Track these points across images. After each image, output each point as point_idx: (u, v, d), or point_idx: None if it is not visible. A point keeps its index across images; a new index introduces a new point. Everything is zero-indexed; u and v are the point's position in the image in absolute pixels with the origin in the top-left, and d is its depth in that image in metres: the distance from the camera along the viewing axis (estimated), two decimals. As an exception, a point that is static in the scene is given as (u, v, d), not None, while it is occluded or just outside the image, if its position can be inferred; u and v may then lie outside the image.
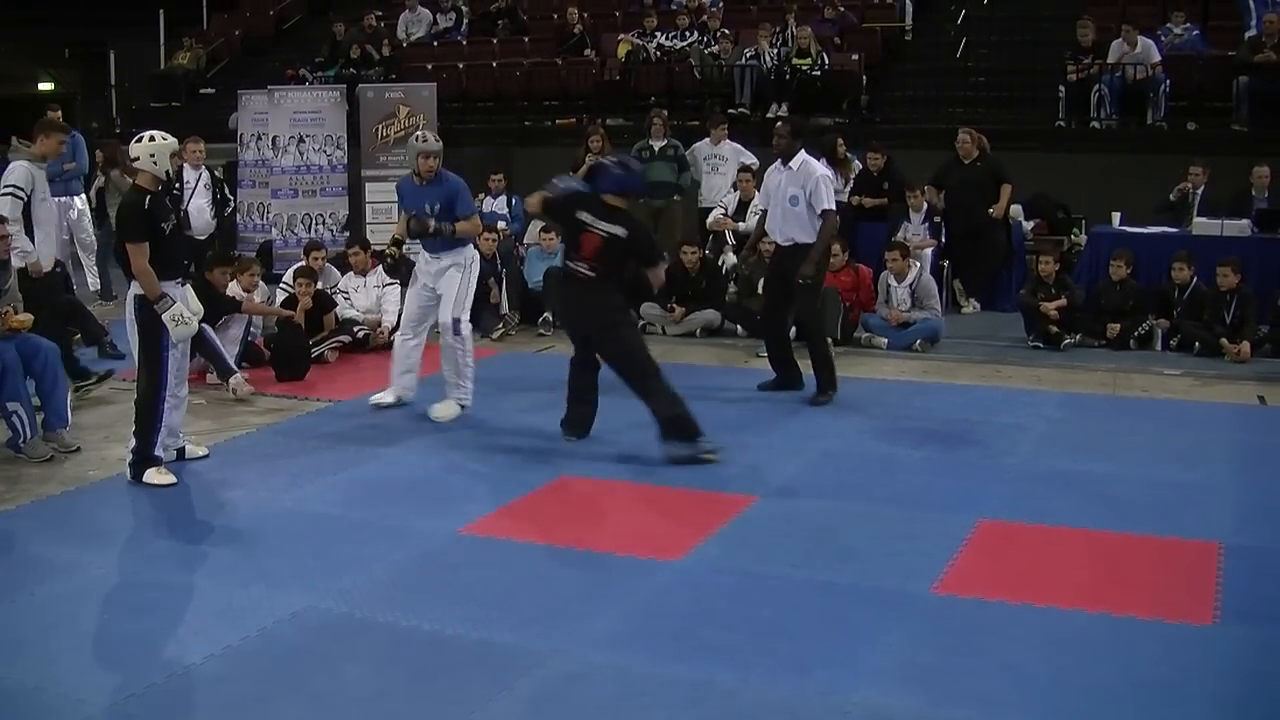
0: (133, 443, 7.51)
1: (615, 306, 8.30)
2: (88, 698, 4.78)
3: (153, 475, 7.48)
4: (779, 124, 10.15)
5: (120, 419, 8.90)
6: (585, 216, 8.16)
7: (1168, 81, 15.01)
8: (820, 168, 9.59)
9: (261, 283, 11.36)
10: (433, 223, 8.92)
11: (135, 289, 7.47)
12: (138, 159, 7.50)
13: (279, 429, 8.78)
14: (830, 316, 11.28)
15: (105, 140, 15.02)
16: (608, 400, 8.53)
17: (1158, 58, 14.92)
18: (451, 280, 9.10)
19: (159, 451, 7.55)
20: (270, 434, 8.64)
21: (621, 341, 8.25)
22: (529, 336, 12.04)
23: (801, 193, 9.35)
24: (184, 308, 7.41)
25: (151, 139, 7.51)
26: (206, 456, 8.01)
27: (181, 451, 7.90)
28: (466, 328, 9.14)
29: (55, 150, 10.03)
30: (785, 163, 9.51)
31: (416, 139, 9.21)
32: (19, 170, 9.75)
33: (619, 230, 8.11)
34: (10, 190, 9.60)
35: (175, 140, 7.70)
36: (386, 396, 9.29)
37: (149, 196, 7.41)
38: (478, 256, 9.50)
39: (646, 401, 8.02)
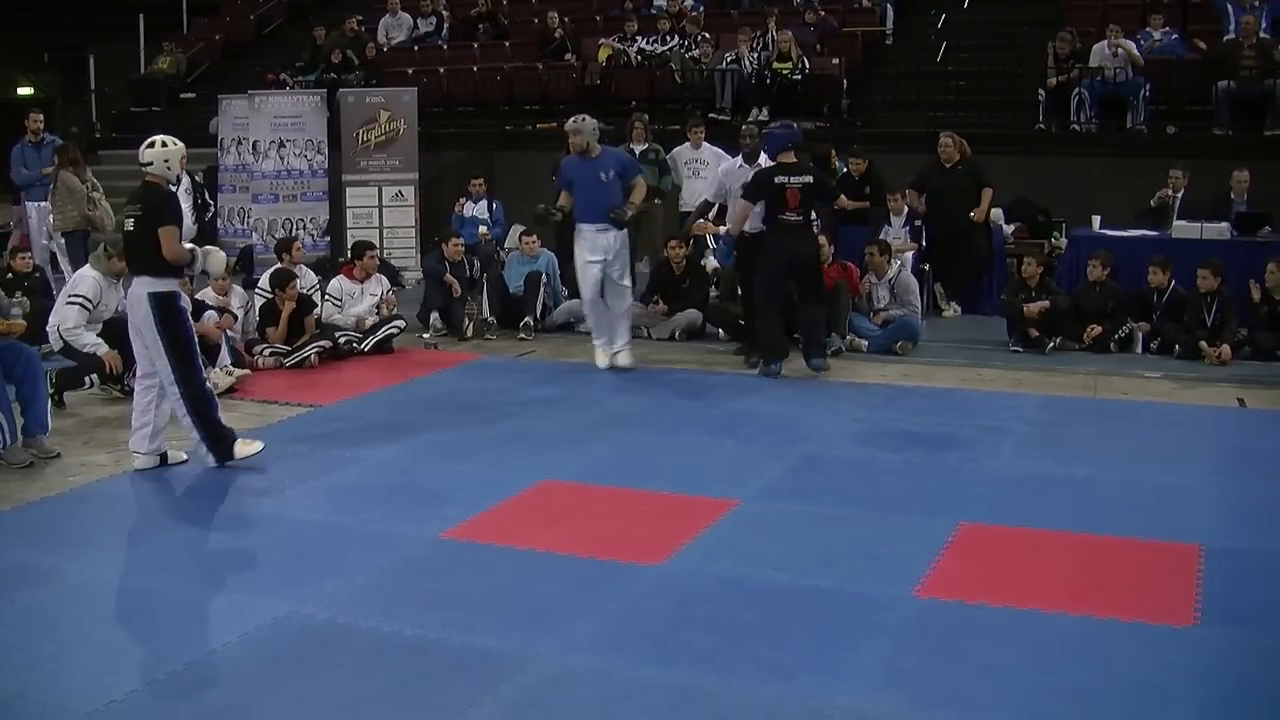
0: (196, 433, 7.69)
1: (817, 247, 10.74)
2: (69, 704, 4.76)
3: (240, 448, 7.81)
4: (747, 125, 11.50)
5: (101, 425, 8.89)
6: (781, 178, 10.20)
7: (1148, 85, 15.07)
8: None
9: (238, 288, 11.34)
10: (630, 209, 10.48)
11: (150, 287, 7.58)
12: (150, 164, 7.69)
13: (260, 434, 8.74)
14: (841, 314, 11.37)
15: (64, 143, 14.94)
16: (594, 403, 8.52)
17: (1139, 57, 15.01)
18: (620, 249, 10.63)
19: (221, 418, 7.81)
20: (251, 438, 8.60)
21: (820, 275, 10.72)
22: (509, 341, 12.02)
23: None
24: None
25: (164, 144, 7.81)
26: (186, 461, 7.97)
27: (164, 457, 7.89)
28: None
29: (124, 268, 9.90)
30: (753, 162, 10.69)
31: (569, 123, 10.64)
32: (87, 281, 9.77)
33: (808, 179, 10.32)
34: (79, 300, 9.62)
35: (183, 145, 7.88)
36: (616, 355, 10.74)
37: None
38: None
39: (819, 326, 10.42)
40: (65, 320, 9.44)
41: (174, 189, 8.08)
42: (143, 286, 7.61)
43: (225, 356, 10.23)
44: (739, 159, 10.94)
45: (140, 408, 7.79)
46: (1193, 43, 15.67)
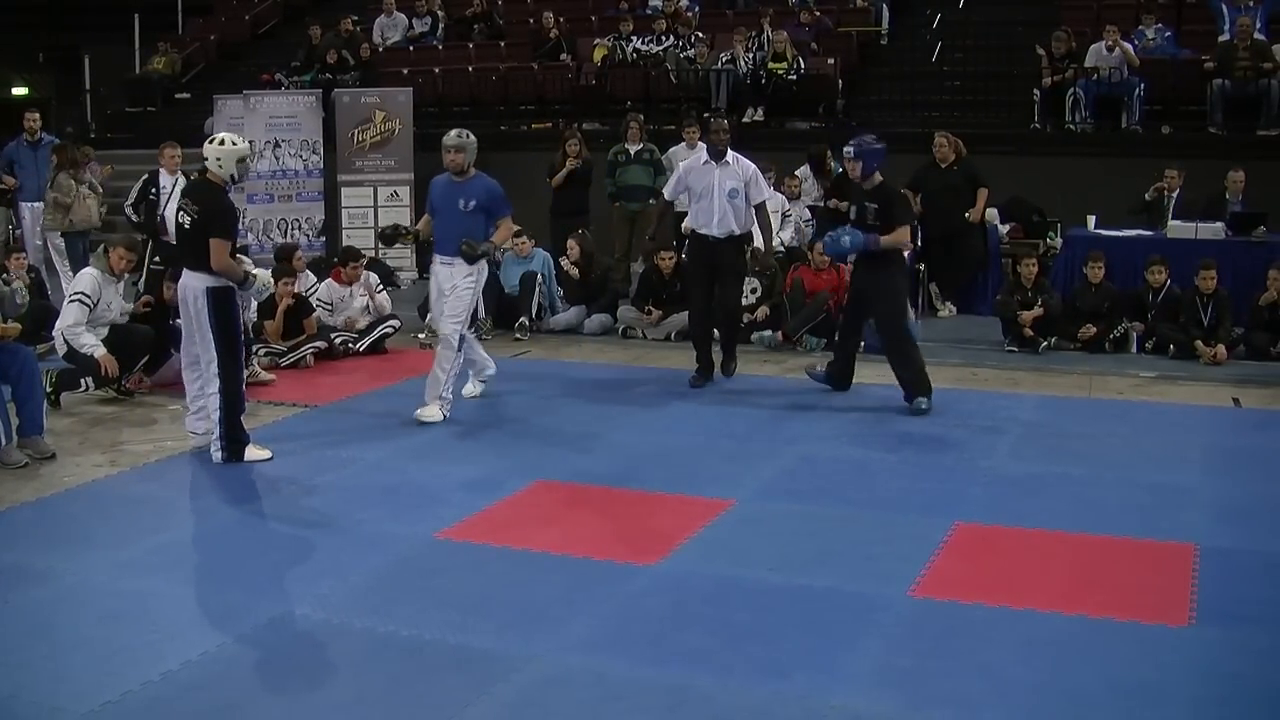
0: (218, 429, 7.88)
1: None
2: (63, 705, 4.75)
3: (252, 452, 7.98)
4: (714, 120, 10.67)
5: (97, 425, 8.88)
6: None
7: (1142, 85, 15.09)
8: (751, 163, 10.28)
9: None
10: (485, 246, 9.03)
11: (208, 282, 7.79)
12: (207, 160, 7.92)
13: (256, 433, 8.72)
14: (810, 317, 11.42)
15: (61, 143, 14.95)
16: (589, 403, 8.52)
17: (1135, 58, 15.04)
18: (463, 289, 9.05)
19: (243, 421, 8.00)
20: (262, 445, 8.60)
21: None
22: (505, 341, 12.01)
23: (741, 186, 10.00)
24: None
25: (222, 142, 7.90)
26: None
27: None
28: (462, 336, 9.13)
29: (124, 266, 9.89)
30: (720, 159, 10.06)
31: (448, 135, 9.15)
32: (86, 278, 9.76)
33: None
34: (78, 298, 9.59)
35: (247, 146, 8.05)
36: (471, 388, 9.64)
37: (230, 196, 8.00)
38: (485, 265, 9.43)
39: (894, 359, 9.35)
40: (66, 318, 9.43)
41: (153, 190, 8.18)
42: (200, 281, 7.82)
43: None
44: (702, 154, 10.33)
45: (193, 393, 8.15)
46: (1197, 39, 15.70)
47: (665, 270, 12.12)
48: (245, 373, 8.11)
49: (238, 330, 7.97)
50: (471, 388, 9.61)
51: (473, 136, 9.15)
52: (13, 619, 5.61)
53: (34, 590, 5.92)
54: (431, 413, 8.88)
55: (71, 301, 9.52)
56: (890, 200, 9.25)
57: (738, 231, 10.10)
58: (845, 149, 9.59)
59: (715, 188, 9.99)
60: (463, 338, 9.06)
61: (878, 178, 9.32)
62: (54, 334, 9.66)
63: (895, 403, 9.43)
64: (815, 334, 11.61)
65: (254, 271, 8.25)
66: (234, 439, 7.93)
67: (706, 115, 12.11)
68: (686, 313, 12.04)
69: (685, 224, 10.52)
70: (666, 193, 10.70)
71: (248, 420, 8.14)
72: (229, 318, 7.86)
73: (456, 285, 8.96)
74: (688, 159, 10.97)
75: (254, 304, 10.94)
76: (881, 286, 9.31)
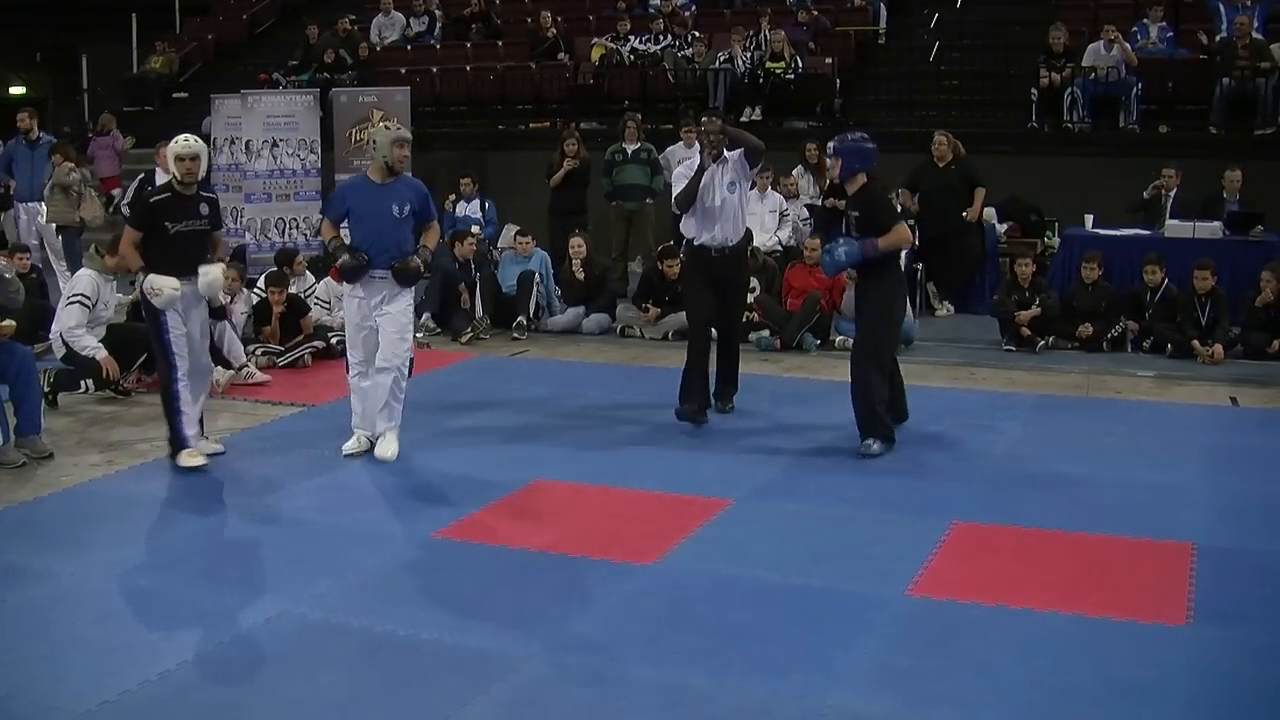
0: (166, 430, 7.84)
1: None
2: (60, 705, 4.75)
3: (184, 458, 7.78)
4: (708, 119, 9.07)
5: (94, 425, 8.88)
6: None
7: (1140, 85, 15.09)
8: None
9: (244, 289, 11.33)
10: (418, 260, 8.00)
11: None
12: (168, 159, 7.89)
13: (253, 434, 8.74)
14: (804, 321, 11.40)
15: (59, 141, 14.98)
16: (587, 403, 8.51)
17: (1133, 57, 15.05)
18: (402, 308, 8.08)
19: (188, 432, 7.79)
20: (244, 439, 8.60)
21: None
22: (502, 341, 12.02)
23: (738, 176, 8.90)
24: (159, 279, 7.59)
25: (176, 142, 7.82)
26: (223, 452, 8.15)
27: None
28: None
29: (121, 267, 9.87)
30: (717, 160, 8.87)
31: (388, 126, 8.18)
32: (84, 279, 9.77)
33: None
34: (77, 299, 9.60)
35: (182, 144, 7.80)
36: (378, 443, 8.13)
37: (166, 197, 7.76)
38: None
39: (853, 388, 8.23)
40: (66, 321, 9.44)
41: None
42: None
43: (240, 356, 10.27)
44: (696, 159, 9.03)
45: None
46: (1195, 38, 15.71)
47: (669, 275, 12.08)
48: (180, 373, 7.76)
49: (164, 330, 7.69)
50: (356, 444, 8.20)
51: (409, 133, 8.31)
52: (10, 619, 5.61)
53: (31, 590, 5.92)
54: (393, 448, 8.01)
55: (71, 303, 9.52)
56: (871, 208, 8.16)
57: (737, 240, 9.05)
58: (828, 146, 8.81)
59: (716, 191, 8.86)
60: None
61: (861, 180, 8.16)
62: (52, 336, 9.66)
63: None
64: (813, 332, 11.60)
65: (151, 278, 7.62)
66: (171, 440, 7.85)
67: (703, 114, 9.95)
68: (684, 313, 12.06)
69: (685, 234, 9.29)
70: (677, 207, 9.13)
71: (240, 420, 8.14)
72: (155, 319, 7.72)
73: (392, 312, 7.95)
74: (683, 162, 9.65)
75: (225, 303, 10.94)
76: (868, 300, 8.30)
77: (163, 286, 7.57)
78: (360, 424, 8.18)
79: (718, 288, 9.03)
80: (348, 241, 8.15)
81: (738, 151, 8.86)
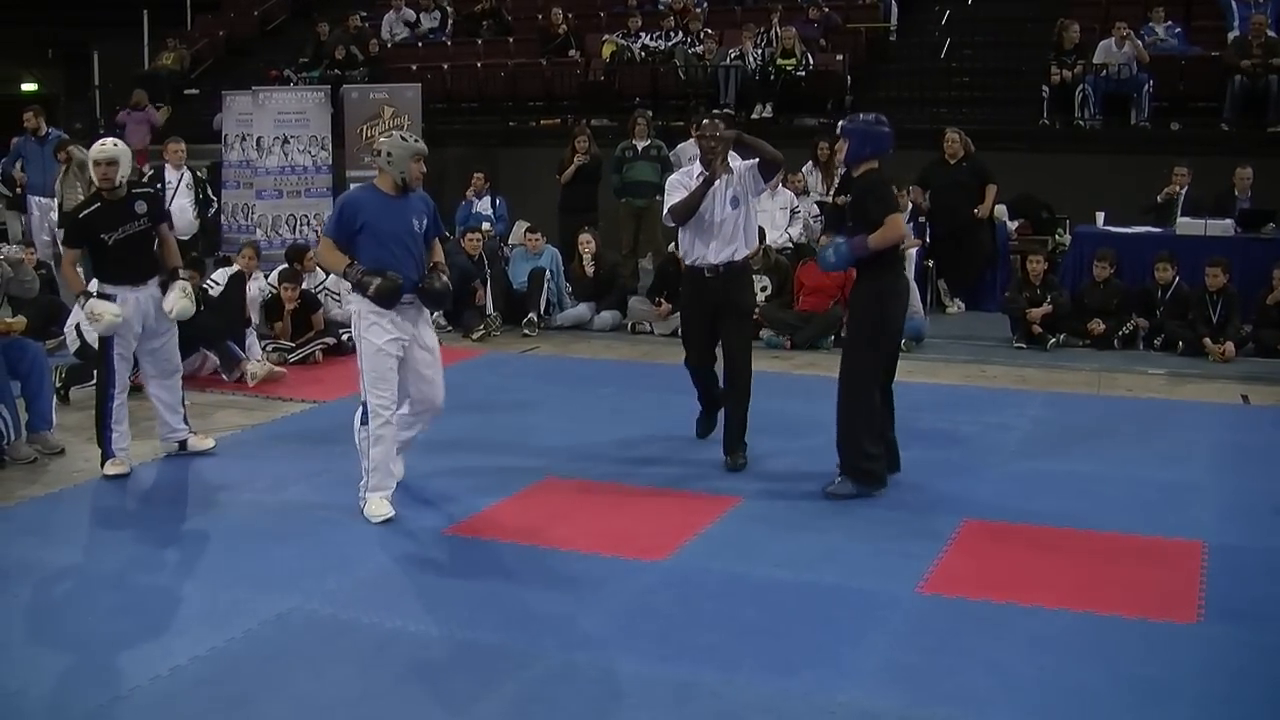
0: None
1: None
2: (71, 701, 4.77)
3: (108, 467, 7.68)
4: (709, 122, 7.77)
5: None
6: None
7: (1151, 82, 15.06)
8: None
9: (260, 274, 11.39)
10: (445, 278, 7.09)
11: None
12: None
13: (264, 430, 8.76)
14: (817, 333, 11.42)
15: (68, 137, 15.01)
16: (598, 399, 8.52)
17: (1145, 54, 15.02)
18: (434, 339, 7.28)
19: (113, 446, 7.69)
20: (255, 435, 8.63)
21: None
22: (513, 337, 12.02)
23: (743, 189, 7.75)
24: (100, 304, 7.41)
25: (95, 146, 7.71)
26: (214, 448, 8.13)
27: (183, 444, 8.04)
28: None
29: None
30: (720, 170, 7.67)
31: (404, 137, 7.14)
32: None
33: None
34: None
35: (98, 149, 7.58)
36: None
37: (95, 207, 7.55)
38: None
39: (839, 410, 7.25)
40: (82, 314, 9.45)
41: (158, 185, 8.06)
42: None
43: (255, 348, 10.39)
44: (696, 164, 7.92)
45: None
46: (1206, 35, 15.68)
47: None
48: (116, 390, 7.64)
49: (109, 348, 7.56)
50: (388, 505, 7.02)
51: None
52: (21, 614, 5.63)
53: (43, 585, 5.94)
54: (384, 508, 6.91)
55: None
56: (864, 191, 7.11)
57: (736, 258, 7.81)
58: (838, 125, 7.65)
59: (717, 206, 7.71)
60: None
61: (869, 166, 7.16)
62: (67, 328, 9.67)
63: (904, 398, 9.43)
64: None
65: (91, 303, 7.42)
66: (101, 449, 7.71)
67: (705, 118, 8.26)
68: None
69: (682, 255, 8.25)
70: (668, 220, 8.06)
71: (251, 415, 8.14)
72: (102, 337, 7.62)
73: (430, 346, 7.13)
74: (682, 170, 8.47)
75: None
76: (853, 306, 7.45)
77: (103, 313, 7.37)
78: (387, 477, 7.00)
79: (714, 315, 7.87)
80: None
81: (750, 162, 7.73)
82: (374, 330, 6.86)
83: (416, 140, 7.09)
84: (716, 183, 7.65)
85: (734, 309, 7.87)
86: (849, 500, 7.08)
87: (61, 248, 7.68)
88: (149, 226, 7.66)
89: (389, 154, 6.94)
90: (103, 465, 7.68)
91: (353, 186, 7.16)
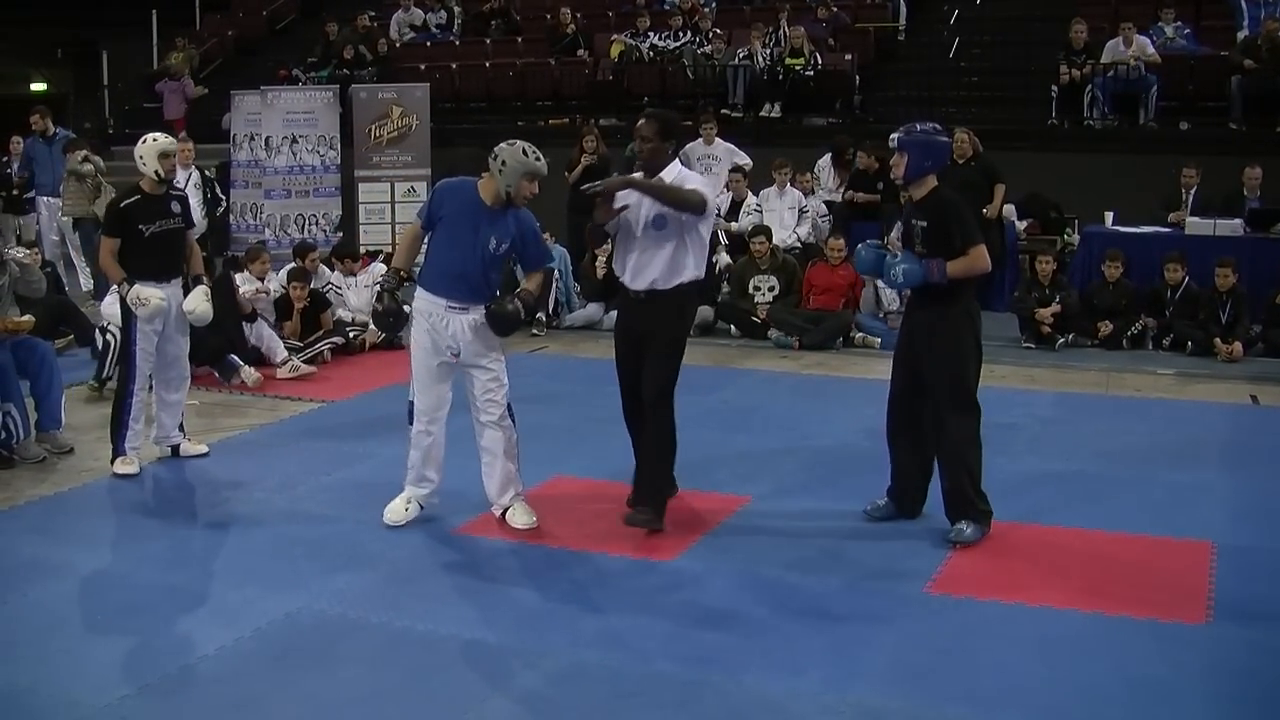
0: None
1: None
2: (81, 699, 4.77)
3: (118, 465, 7.68)
4: (642, 122, 6.75)
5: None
6: None
7: (1159, 81, 15.04)
8: (697, 177, 7.21)
9: (272, 273, 11.40)
10: (517, 303, 6.47)
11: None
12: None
13: (273, 429, 8.77)
14: (824, 337, 11.40)
15: (75, 137, 15.05)
16: (606, 399, 8.48)
17: (1155, 55, 14.99)
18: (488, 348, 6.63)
19: (126, 444, 7.69)
20: (264, 434, 8.64)
21: None
22: (521, 337, 12.00)
23: (674, 216, 6.52)
24: (146, 289, 7.47)
25: (144, 140, 7.63)
26: (206, 454, 8.06)
27: (176, 449, 7.98)
28: None
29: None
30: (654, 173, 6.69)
31: (528, 152, 6.55)
32: None
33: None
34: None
35: (168, 141, 7.76)
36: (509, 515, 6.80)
37: (136, 199, 7.59)
38: None
39: (939, 460, 6.69)
40: (113, 306, 9.44)
41: (176, 188, 8.07)
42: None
43: (280, 352, 10.43)
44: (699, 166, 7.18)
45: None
46: (1216, 35, 15.66)
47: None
48: (137, 385, 7.64)
49: (133, 342, 7.60)
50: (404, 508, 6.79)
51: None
52: (31, 612, 5.63)
53: (52, 584, 5.95)
54: (530, 516, 6.76)
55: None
56: (946, 215, 6.36)
57: (661, 286, 6.57)
58: (891, 138, 6.54)
59: (637, 219, 6.62)
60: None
61: (931, 182, 6.43)
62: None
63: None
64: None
65: (136, 288, 7.46)
66: (112, 445, 7.72)
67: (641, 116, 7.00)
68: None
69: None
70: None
71: (260, 415, 8.15)
72: (128, 329, 7.65)
73: (489, 365, 6.60)
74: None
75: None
76: (938, 336, 6.55)
77: (149, 298, 7.44)
78: (417, 482, 6.77)
79: (637, 340, 6.74)
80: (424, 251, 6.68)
81: (694, 176, 7.00)
82: (415, 327, 6.59)
83: (538, 159, 6.52)
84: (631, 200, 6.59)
85: (653, 337, 6.65)
86: (857, 502, 7.07)
87: (103, 237, 7.71)
88: (181, 227, 7.77)
89: (503, 163, 6.49)
90: (113, 462, 7.68)
91: (458, 178, 6.74)
